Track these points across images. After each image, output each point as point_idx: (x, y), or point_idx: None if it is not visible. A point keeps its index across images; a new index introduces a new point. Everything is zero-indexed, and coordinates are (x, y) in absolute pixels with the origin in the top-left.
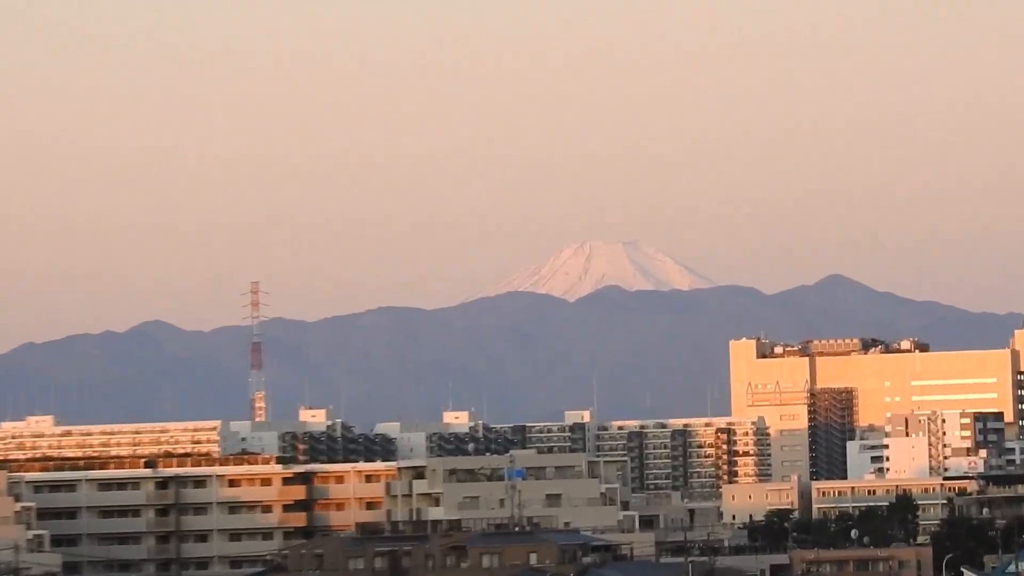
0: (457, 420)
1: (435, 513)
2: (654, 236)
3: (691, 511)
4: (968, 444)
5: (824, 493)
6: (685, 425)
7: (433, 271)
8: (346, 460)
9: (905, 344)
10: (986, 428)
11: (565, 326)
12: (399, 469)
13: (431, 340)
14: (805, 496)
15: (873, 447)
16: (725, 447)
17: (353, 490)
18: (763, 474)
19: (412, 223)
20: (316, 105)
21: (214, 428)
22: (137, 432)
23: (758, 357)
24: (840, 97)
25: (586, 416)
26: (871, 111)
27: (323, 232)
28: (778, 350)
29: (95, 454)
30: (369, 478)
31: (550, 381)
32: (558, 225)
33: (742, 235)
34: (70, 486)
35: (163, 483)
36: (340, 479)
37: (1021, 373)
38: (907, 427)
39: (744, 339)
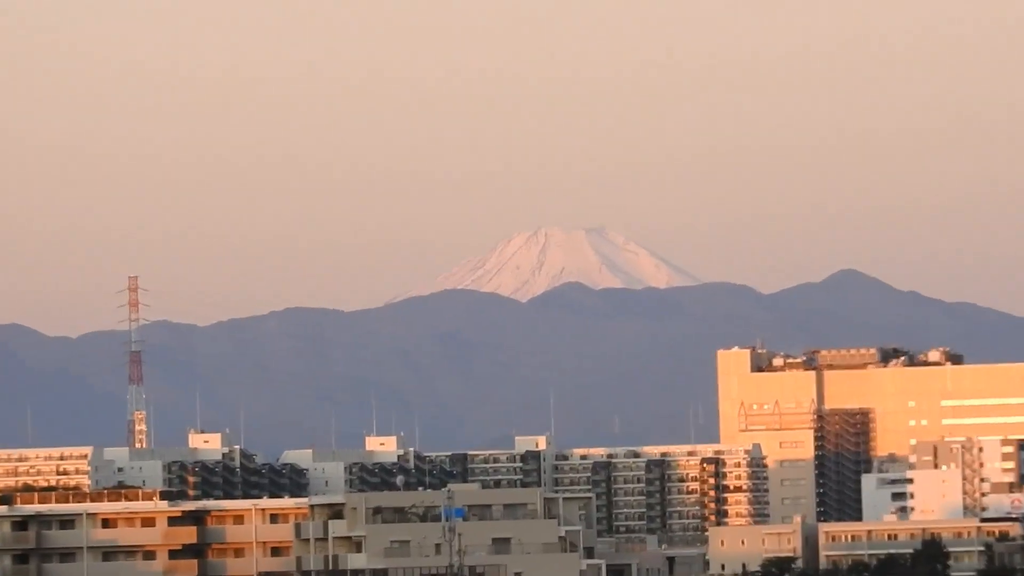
0: (383, 447)
1: (356, 561)
2: (623, 222)
3: (671, 559)
4: (1011, 478)
5: (834, 538)
6: (663, 454)
7: (352, 265)
8: (246, 496)
9: (933, 355)
10: None
11: (515, 332)
12: (312, 507)
13: (350, 349)
14: (811, 541)
15: (894, 481)
16: (712, 481)
17: (255, 532)
18: (759, 514)
19: (326, 207)
20: (219, 76)
21: (84, 456)
22: None
23: (753, 371)
24: (849, 57)
25: (541, 443)
26: (887, 73)
27: (217, 217)
28: (777, 362)
29: None
30: (275, 517)
31: (497, 400)
32: (506, 209)
33: (732, 222)
34: None
35: (22, 523)
36: (239, 519)
37: None
38: (936, 457)
39: (736, 348)
